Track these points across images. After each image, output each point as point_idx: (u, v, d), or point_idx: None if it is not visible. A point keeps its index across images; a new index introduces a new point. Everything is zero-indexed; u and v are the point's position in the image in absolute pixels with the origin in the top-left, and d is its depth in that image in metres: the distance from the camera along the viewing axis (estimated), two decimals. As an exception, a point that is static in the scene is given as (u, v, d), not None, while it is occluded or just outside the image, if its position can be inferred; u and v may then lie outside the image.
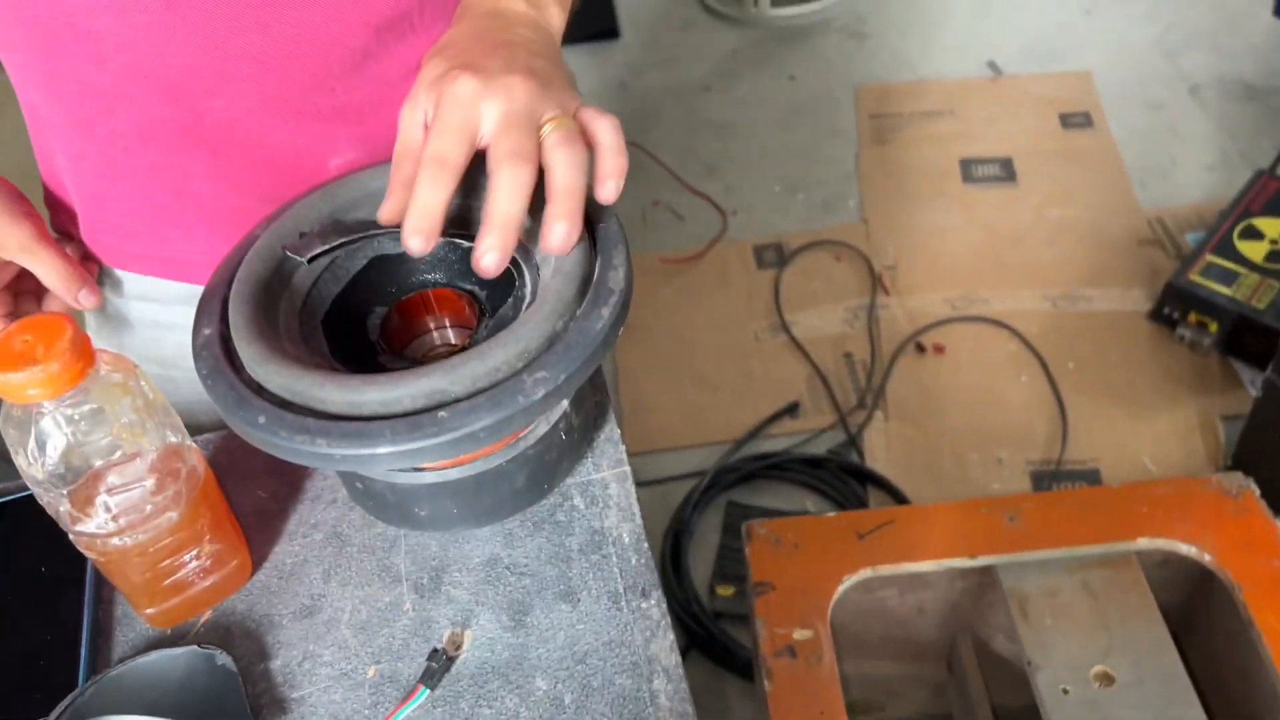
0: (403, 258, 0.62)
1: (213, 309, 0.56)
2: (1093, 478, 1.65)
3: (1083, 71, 2.37)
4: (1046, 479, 1.65)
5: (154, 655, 0.58)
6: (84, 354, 0.48)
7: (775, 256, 2.05)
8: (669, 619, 0.59)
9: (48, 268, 0.68)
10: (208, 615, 0.61)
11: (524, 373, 0.50)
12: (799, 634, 1.04)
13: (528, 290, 0.57)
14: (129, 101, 0.63)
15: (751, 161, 2.25)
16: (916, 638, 1.27)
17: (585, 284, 0.53)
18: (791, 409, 1.80)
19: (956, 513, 1.12)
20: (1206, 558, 1.05)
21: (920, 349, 1.86)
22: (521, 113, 0.51)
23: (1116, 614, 1.05)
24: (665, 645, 0.58)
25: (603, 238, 0.56)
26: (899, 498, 1.63)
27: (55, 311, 0.71)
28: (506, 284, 0.60)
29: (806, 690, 1.00)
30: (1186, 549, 1.06)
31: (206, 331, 0.54)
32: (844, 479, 1.68)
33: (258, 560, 0.64)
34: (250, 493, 0.67)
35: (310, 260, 0.58)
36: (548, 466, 0.62)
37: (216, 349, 0.53)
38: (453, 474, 0.58)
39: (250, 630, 0.61)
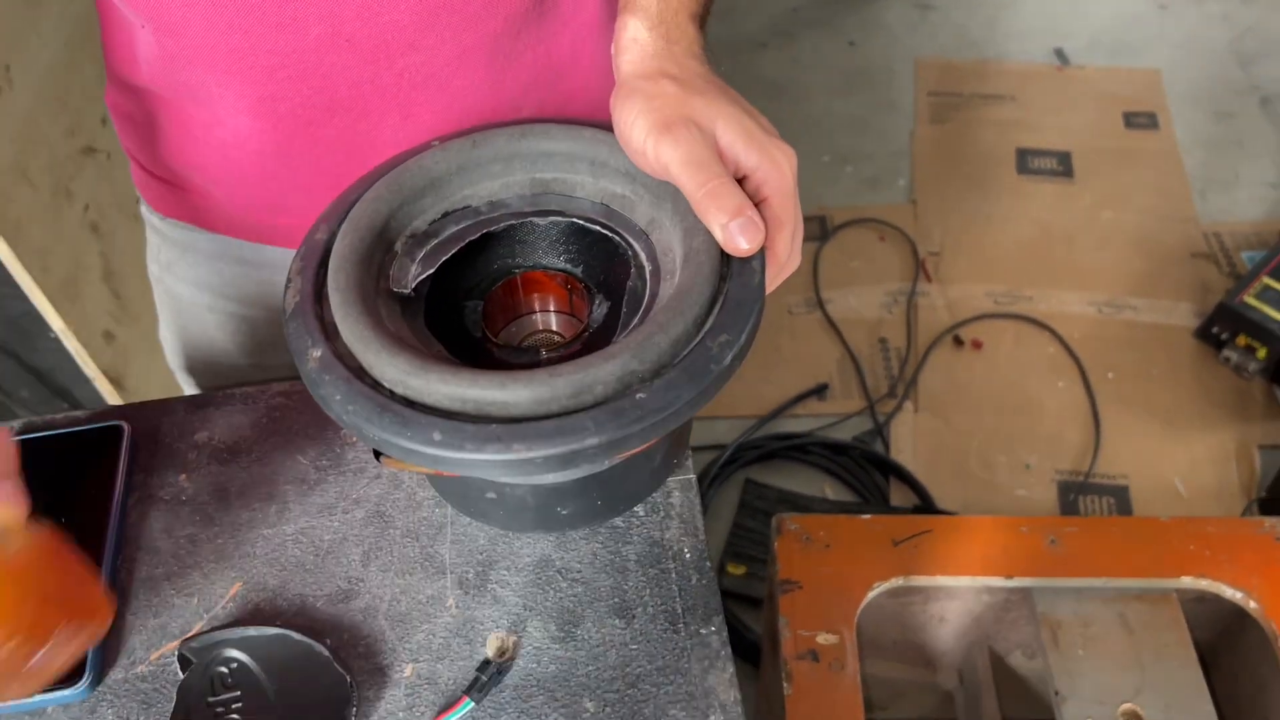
0: (486, 244, 0.57)
1: (311, 326, 0.50)
2: (1121, 494, 1.62)
3: (1152, 69, 2.28)
4: (1074, 490, 1.61)
5: (245, 629, 0.55)
6: None
7: (818, 229, 1.99)
8: (729, 649, 0.55)
9: None
10: (236, 589, 0.58)
11: (705, 339, 0.47)
12: (823, 638, 1.01)
13: (644, 259, 0.54)
14: (326, 71, 0.59)
15: (802, 127, 2.19)
16: (932, 645, 1.24)
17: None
18: (820, 390, 1.75)
19: (996, 529, 1.08)
20: (1252, 604, 1.01)
21: (958, 342, 1.81)
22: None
23: (1151, 652, 1.02)
24: (725, 679, 0.54)
25: None
26: (921, 494, 1.59)
27: None
28: (601, 258, 0.56)
29: (827, 696, 0.97)
30: (1232, 593, 1.02)
31: (316, 354, 0.49)
32: (866, 468, 1.64)
33: (294, 533, 0.60)
34: (290, 457, 0.63)
35: (413, 289, 0.54)
36: (682, 437, 0.60)
37: (340, 369, 0.48)
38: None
39: (281, 610, 0.57)
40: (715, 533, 1.59)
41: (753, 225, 0.48)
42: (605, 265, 0.57)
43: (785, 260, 0.52)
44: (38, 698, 0.53)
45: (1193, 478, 1.63)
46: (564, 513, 0.57)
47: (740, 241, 0.48)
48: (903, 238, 1.97)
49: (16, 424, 0.65)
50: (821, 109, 2.24)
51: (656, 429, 0.46)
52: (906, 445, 1.68)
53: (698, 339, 0.48)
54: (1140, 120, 2.17)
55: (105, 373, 1.29)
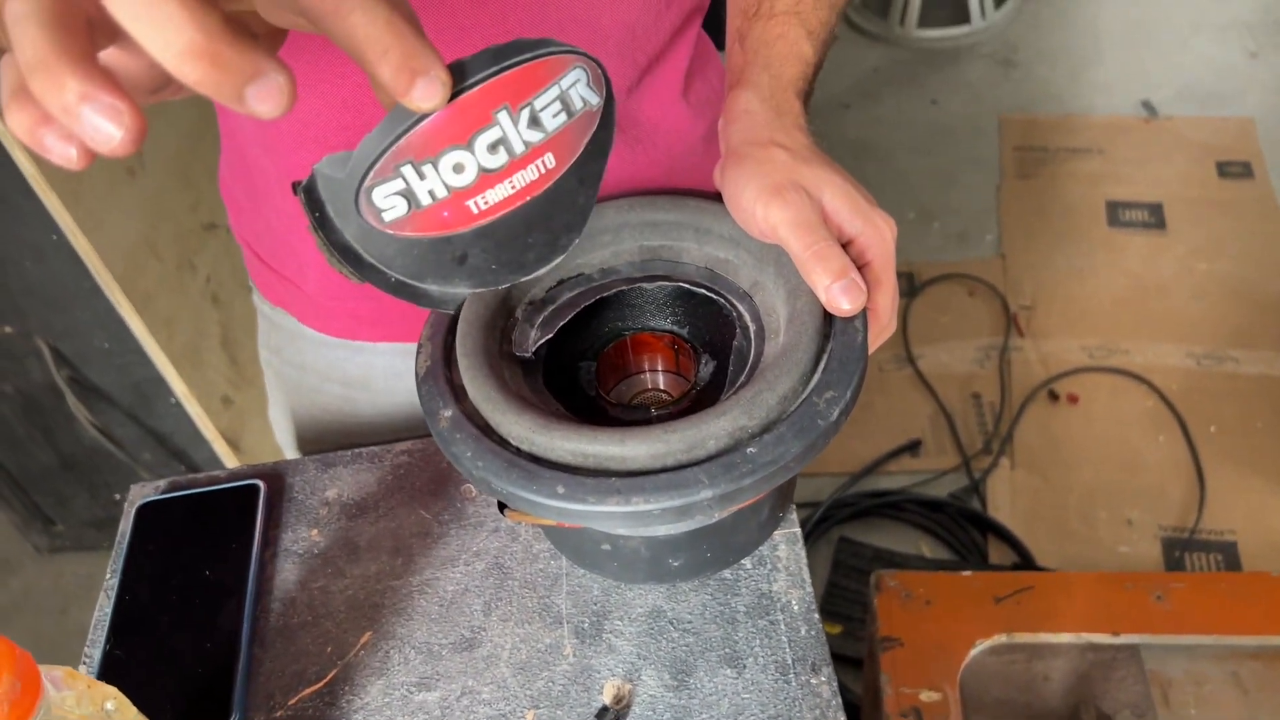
0: (598, 308, 0.60)
1: (442, 388, 0.53)
2: (1229, 550, 1.57)
3: (1245, 118, 2.26)
4: (1179, 547, 1.58)
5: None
6: (27, 695, 0.41)
7: (906, 286, 1.99)
8: (840, 699, 0.56)
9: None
10: (367, 637, 0.61)
11: (812, 395, 0.49)
12: (926, 695, 1.00)
13: (748, 319, 0.56)
14: None
15: (887, 185, 2.20)
16: (1037, 704, 1.22)
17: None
18: (913, 447, 1.75)
19: (1099, 584, 1.07)
20: (1374, 664, 0.98)
21: (1053, 397, 1.79)
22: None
23: (1269, 713, 0.99)
24: (837, 727, 0.55)
25: None
26: (1021, 551, 1.57)
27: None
28: (707, 320, 0.59)
29: (931, 755, 0.97)
30: (1353, 652, 0.99)
31: (447, 414, 0.52)
32: (963, 526, 1.63)
33: (420, 584, 0.63)
34: (414, 512, 0.67)
35: (533, 352, 0.57)
36: (787, 492, 0.63)
37: (469, 427, 0.51)
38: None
39: (408, 658, 0.60)
40: (810, 590, 1.58)
41: (855, 287, 0.50)
42: (710, 326, 0.60)
43: (886, 322, 0.54)
44: (187, 738, 0.56)
45: (1306, 534, 1.58)
46: (675, 564, 0.59)
47: (843, 302, 0.50)
48: (993, 293, 1.96)
49: (163, 483, 0.70)
50: (906, 167, 2.26)
51: (767, 482, 0.48)
52: (1004, 502, 1.66)
53: (804, 395, 0.50)
54: (1234, 169, 2.14)
55: (223, 435, 1.35)
